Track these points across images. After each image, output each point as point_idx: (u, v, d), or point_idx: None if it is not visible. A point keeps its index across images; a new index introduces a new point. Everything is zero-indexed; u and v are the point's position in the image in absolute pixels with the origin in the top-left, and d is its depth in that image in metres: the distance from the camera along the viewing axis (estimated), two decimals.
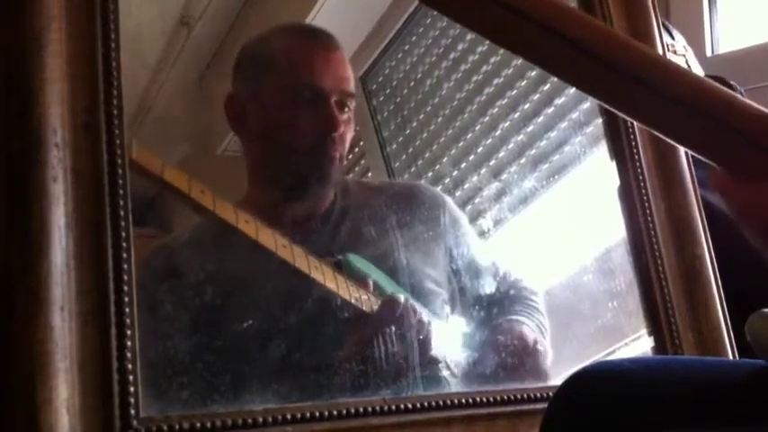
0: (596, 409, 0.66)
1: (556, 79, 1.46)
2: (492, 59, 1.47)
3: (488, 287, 1.26)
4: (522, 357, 1.18)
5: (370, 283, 1.11)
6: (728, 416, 0.63)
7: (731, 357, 1.19)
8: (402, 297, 1.12)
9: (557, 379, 1.20)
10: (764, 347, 0.68)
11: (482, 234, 1.36)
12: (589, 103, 1.38)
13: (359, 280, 1.11)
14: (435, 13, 1.54)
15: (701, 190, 1.27)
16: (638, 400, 0.65)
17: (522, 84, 1.46)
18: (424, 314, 1.14)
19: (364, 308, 1.09)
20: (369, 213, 1.21)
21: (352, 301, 1.08)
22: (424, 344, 1.12)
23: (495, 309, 1.25)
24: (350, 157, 1.46)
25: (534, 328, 1.23)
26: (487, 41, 1.51)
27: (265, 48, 1.19)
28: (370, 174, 1.45)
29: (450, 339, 1.19)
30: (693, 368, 0.72)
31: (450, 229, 1.25)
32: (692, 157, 1.22)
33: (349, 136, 1.18)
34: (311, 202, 1.19)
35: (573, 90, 1.43)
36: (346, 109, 1.17)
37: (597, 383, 0.68)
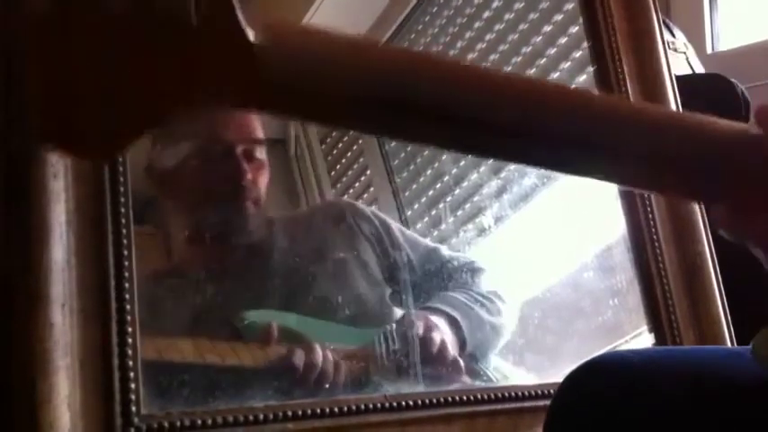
0: (601, 399, 0.66)
1: (555, 80, 1.47)
2: (492, 57, 1.47)
3: (427, 278, 1.26)
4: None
5: (274, 332, 1.09)
6: (728, 405, 0.64)
7: None
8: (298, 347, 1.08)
9: (558, 376, 1.20)
10: None
11: (482, 231, 1.35)
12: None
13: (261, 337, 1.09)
14: (435, 10, 1.55)
15: None
16: (642, 391, 0.65)
17: None
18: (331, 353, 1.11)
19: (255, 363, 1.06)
20: (294, 241, 1.23)
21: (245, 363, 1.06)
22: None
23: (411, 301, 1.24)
24: (348, 155, 1.46)
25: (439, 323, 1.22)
26: (488, 39, 1.52)
27: None
28: (368, 171, 1.45)
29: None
30: (696, 357, 0.72)
31: (374, 239, 1.27)
32: None
33: (263, 179, 1.20)
34: (234, 242, 1.21)
35: (576, 85, 1.43)
36: (257, 155, 1.19)
37: (601, 374, 0.68)
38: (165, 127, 0.48)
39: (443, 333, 1.19)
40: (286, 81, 0.48)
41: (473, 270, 1.29)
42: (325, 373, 1.04)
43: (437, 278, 1.26)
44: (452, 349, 1.17)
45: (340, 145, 1.47)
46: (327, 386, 1.04)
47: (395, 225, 1.31)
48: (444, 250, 1.31)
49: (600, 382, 0.67)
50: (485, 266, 1.30)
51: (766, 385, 0.62)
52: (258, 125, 1.22)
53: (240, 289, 1.15)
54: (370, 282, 1.23)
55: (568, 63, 1.45)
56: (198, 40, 0.46)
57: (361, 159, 1.45)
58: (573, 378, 0.70)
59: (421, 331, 1.17)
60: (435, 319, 1.20)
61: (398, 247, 1.27)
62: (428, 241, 1.33)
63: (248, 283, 1.17)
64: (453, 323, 1.20)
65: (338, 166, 1.44)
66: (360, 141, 1.45)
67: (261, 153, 1.20)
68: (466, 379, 1.17)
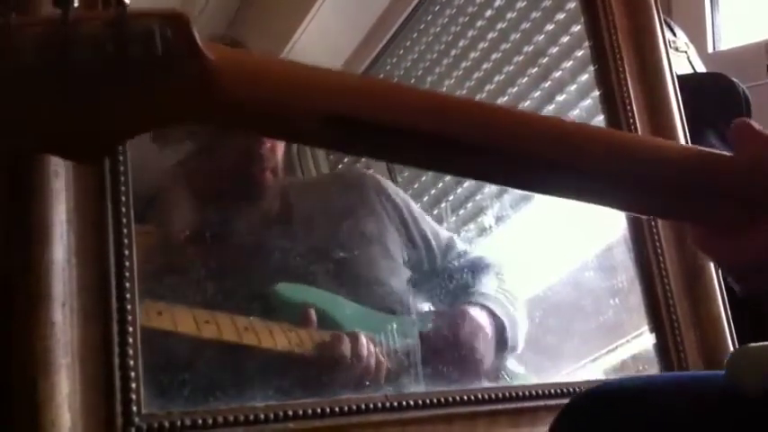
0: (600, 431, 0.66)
1: (556, 79, 1.47)
2: (493, 56, 1.47)
3: (446, 270, 1.25)
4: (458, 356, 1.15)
5: (312, 315, 1.05)
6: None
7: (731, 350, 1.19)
8: (345, 335, 1.05)
9: (558, 376, 1.20)
10: (745, 386, 0.67)
11: (483, 231, 1.35)
12: (590, 101, 1.38)
13: (295, 313, 1.07)
14: (437, 9, 1.55)
15: None
16: (640, 422, 0.65)
17: (524, 81, 1.45)
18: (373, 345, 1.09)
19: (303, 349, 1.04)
20: (316, 211, 1.20)
21: (295, 349, 1.04)
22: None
23: (450, 299, 1.23)
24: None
25: (483, 323, 1.21)
26: (490, 38, 1.52)
27: None
28: (370, 170, 1.45)
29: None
30: (692, 383, 0.72)
31: (399, 222, 1.25)
32: None
33: (280, 146, 1.17)
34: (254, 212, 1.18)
35: (573, 87, 1.43)
36: None
37: (599, 406, 0.68)
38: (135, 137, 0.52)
39: (487, 332, 1.18)
40: (242, 99, 0.52)
41: (487, 265, 1.28)
42: (368, 368, 1.01)
43: (459, 270, 1.24)
44: (492, 348, 1.17)
45: None
46: (368, 383, 1.01)
47: (417, 210, 1.28)
48: (458, 240, 1.29)
49: (598, 413, 0.67)
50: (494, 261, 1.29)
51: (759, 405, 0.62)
52: None
53: (262, 262, 1.11)
54: (392, 267, 1.21)
55: (570, 62, 1.45)
56: (163, 67, 0.49)
57: (363, 160, 1.45)
58: (571, 409, 0.70)
59: (467, 328, 1.16)
60: (480, 315, 1.19)
61: (422, 235, 1.24)
62: (443, 229, 1.30)
63: (269, 255, 1.12)
64: (497, 323, 1.20)
65: (340, 166, 1.44)
66: None
67: None
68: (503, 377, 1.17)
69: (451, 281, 1.23)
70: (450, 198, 1.39)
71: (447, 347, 1.12)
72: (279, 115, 0.53)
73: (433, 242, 1.25)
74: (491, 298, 1.22)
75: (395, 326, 1.14)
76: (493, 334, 1.19)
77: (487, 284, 1.24)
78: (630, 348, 1.27)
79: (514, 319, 1.22)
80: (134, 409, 0.81)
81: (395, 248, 1.22)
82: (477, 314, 1.19)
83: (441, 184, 1.42)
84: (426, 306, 1.20)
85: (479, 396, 1.03)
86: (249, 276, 1.09)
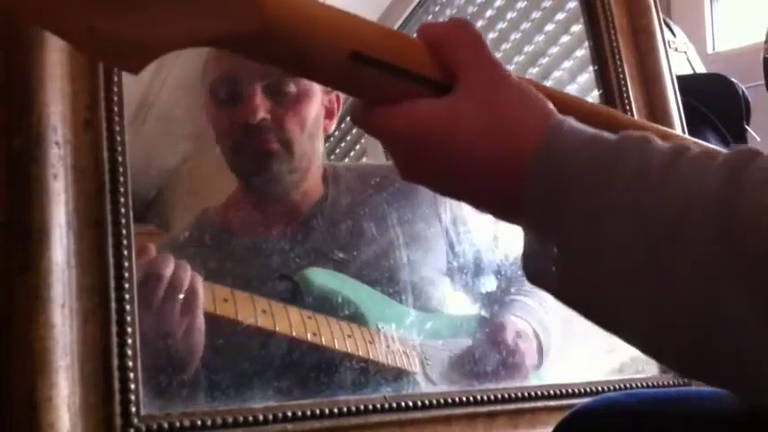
0: None
1: (556, 79, 1.47)
2: (495, 54, 1.47)
3: (489, 285, 1.25)
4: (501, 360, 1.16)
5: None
6: None
7: None
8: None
9: (558, 376, 1.20)
10: None
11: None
12: (590, 101, 1.38)
13: (321, 298, 1.06)
14: (437, 9, 1.55)
15: None
16: None
17: (526, 77, 1.45)
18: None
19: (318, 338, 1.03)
20: (369, 210, 1.18)
21: (309, 337, 1.03)
22: None
23: (495, 306, 1.25)
24: (351, 154, 1.46)
25: (524, 316, 1.21)
26: (490, 38, 1.52)
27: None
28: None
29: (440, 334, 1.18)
30: (688, 401, 0.72)
31: (450, 227, 1.24)
32: None
33: (295, 116, 1.10)
34: (287, 200, 1.14)
35: (573, 87, 1.43)
36: (286, 90, 1.09)
37: (595, 421, 0.68)
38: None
39: (529, 344, 1.18)
40: (283, 27, 0.54)
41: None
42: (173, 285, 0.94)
43: (497, 275, 1.25)
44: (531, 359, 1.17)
45: (342, 144, 1.47)
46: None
47: (477, 234, 1.27)
48: (496, 244, 1.28)
49: (593, 429, 0.67)
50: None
51: (755, 423, 0.61)
52: None
53: (288, 245, 1.08)
54: (434, 267, 1.20)
55: (570, 62, 1.46)
56: None
57: (364, 159, 1.45)
58: (565, 426, 0.69)
59: (509, 339, 1.16)
60: (519, 323, 1.19)
61: (460, 237, 1.23)
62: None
63: (295, 237, 1.09)
64: (535, 335, 1.20)
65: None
66: (362, 141, 1.45)
67: (293, 85, 1.09)
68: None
69: (490, 285, 1.24)
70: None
71: (490, 353, 1.13)
72: (313, 46, 0.56)
73: (472, 244, 1.25)
74: (528, 306, 1.23)
75: (429, 324, 1.15)
76: (534, 343, 1.20)
77: (524, 291, 1.25)
78: (629, 349, 1.27)
79: (546, 326, 1.23)
80: (133, 410, 0.81)
81: (437, 248, 1.21)
82: (518, 321, 1.20)
83: None
84: (466, 308, 1.22)
85: (478, 397, 1.03)
86: (277, 257, 1.07)
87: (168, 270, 0.93)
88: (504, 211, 0.60)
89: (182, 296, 0.93)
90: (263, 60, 0.59)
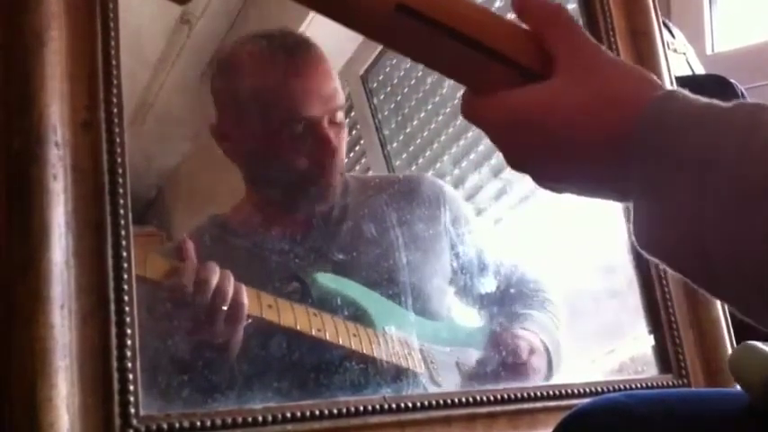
0: None
1: None
2: None
3: (490, 285, 1.26)
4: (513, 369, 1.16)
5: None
6: None
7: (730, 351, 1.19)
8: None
9: (557, 377, 1.20)
10: (747, 384, 0.67)
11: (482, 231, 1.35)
12: None
13: (330, 301, 1.09)
14: None
15: None
16: None
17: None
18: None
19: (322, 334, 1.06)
20: (369, 211, 1.19)
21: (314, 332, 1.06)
22: None
23: (495, 307, 1.25)
24: (350, 155, 1.46)
25: (537, 330, 1.22)
26: None
27: (244, 78, 1.17)
28: (370, 172, 1.45)
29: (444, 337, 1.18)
30: (688, 402, 0.72)
31: (450, 228, 1.25)
32: None
33: (344, 144, 1.17)
34: (311, 206, 1.19)
35: None
36: (338, 119, 1.15)
37: (595, 422, 0.68)
38: None
39: (541, 359, 1.19)
40: None
41: (536, 281, 1.29)
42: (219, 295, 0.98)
43: (508, 285, 1.26)
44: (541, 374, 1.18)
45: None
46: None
47: (478, 234, 1.29)
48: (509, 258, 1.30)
49: (593, 429, 0.67)
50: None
51: (755, 423, 0.61)
52: (338, 85, 1.18)
53: (310, 252, 1.12)
54: (440, 277, 1.21)
55: None
56: None
57: (364, 160, 1.45)
58: (565, 427, 0.69)
59: (525, 355, 1.17)
60: (533, 340, 1.20)
61: (463, 255, 1.24)
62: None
63: (317, 245, 1.13)
64: (545, 346, 1.21)
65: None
66: (362, 142, 1.45)
67: (341, 117, 1.16)
68: None
69: (500, 296, 1.25)
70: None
71: (502, 369, 1.14)
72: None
73: (484, 256, 1.26)
74: (541, 321, 1.24)
75: (437, 331, 1.15)
76: (545, 358, 1.20)
77: (536, 305, 1.26)
78: (629, 350, 1.27)
79: (557, 342, 1.23)
80: (132, 410, 0.81)
81: (445, 257, 1.22)
82: (530, 336, 1.21)
83: (438, 165, 1.42)
84: (477, 317, 1.23)
85: (478, 398, 1.03)
86: (294, 264, 1.10)
87: (215, 278, 0.97)
88: (614, 181, 0.59)
89: (226, 307, 0.97)
90: (312, 5, 0.60)
